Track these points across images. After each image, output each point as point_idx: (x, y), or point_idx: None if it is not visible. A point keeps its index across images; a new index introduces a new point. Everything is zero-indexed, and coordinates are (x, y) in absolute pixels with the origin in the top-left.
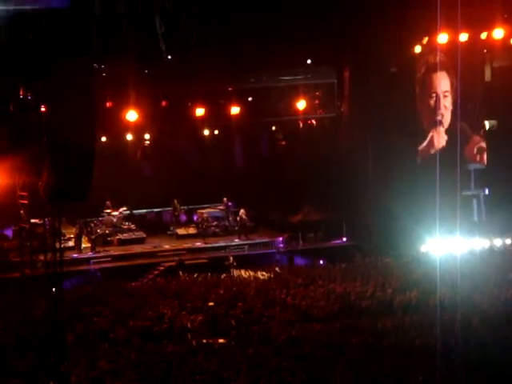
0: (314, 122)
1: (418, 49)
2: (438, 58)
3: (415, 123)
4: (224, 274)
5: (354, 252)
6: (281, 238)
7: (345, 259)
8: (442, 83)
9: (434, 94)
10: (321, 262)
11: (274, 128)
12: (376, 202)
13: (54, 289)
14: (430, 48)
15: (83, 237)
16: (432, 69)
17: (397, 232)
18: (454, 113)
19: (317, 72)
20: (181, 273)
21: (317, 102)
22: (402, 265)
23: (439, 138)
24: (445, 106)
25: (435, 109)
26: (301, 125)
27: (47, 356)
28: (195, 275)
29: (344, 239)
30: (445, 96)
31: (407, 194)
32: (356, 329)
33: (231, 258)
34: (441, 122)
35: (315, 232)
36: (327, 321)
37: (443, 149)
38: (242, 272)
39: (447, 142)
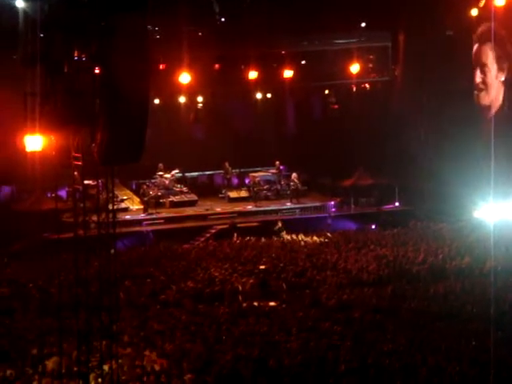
0: (367, 85)
1: (474, 12)
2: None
3: (471, 87)
4: (275, 238)
5: (406, 217)
6: (333, 203)
7: (397, 224)
8: None
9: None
10: (372, 226)
11: (326, 92)
12: (429, 167)
13: (112, 250)
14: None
15: (135, 198)
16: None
17: (450, 197)
18: None
19: (371, 35)
20: (235, 235)
21: (370, 65)
22: (455, 230)
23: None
24: None
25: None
26: (354, 88)
27: (100, 316)
28: (247, 238)
29: (396, 204)
30: None
31: (461, 158)
32: (407, 293)
33: (279, 223)
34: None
35: (367, 196)
36: (378, 285)
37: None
38: (294, 236)
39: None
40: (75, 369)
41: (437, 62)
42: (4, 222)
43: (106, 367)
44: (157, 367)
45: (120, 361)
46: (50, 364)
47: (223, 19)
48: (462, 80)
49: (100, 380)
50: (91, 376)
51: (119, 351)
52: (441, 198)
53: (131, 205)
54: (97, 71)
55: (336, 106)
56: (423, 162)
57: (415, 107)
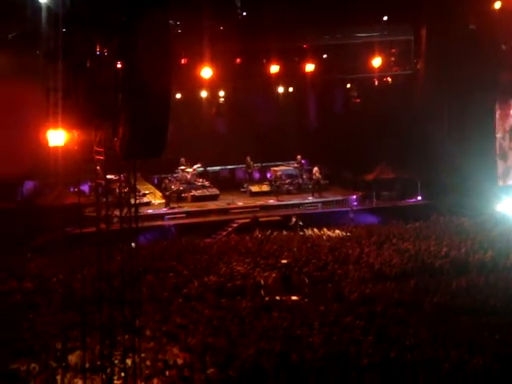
0: (389, 79)
1: (497, 5)
2: None
3: (494, 81)
4: (294, 233)
5: (428, 211)
6: (354, 196)
7: (419, 218)
8: None
9: None
10: (395, 220)
11: (348, 85)
12: (452, 161)
13: (133, 244)
14: None
15: (157, 192)
16: None
17: (472, 191)
18: None
19: (393, 29)
20: (257, 230)
21: (392, 59)
22: (478, 224)
23: None
24: None
25: None
26: (376, 82)
27: (122, 310)
28: (268, 232)
29: (419, 198)
30: None
31: (484, 152)
32: (430, 287)
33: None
34: None
35: (389, 190)
36: (401, 279)
37: None
38: (315, 230)
39: None
40: (98, 363)
41: (460, 55)
42: (27, 216)
43: (128, 361)
44: (179, 361)
45: (143, 355)
46: (74, 358)
47: (245, 13)
48: (485, 74)
49: (123, 374)
50: (114, 370)
51: (142, 345)
52: (463, 192)
53: (153, 199)
54: (119, 66)
55: (358, 100)
56: (446, 155)
57: (438, 101)
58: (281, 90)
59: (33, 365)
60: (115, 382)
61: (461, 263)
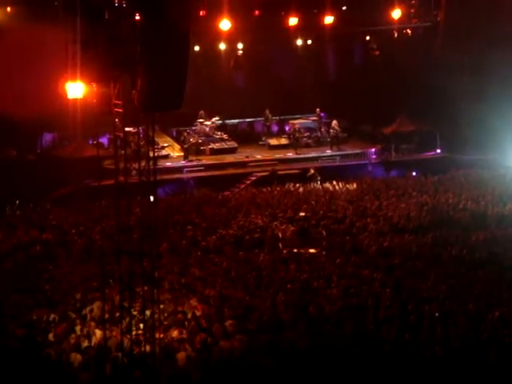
0: (409, 31)
1: None
2: None
3: None
4: (313, 185)
5: (447, 164)
6: (373, 149)
7: (438, 171)
8: None
9: None
10: (414, 173)
11: (368, 38)
12: (471, 114)
13: (151, 197)
14: None
15: (175, 145)
16: None
17: (492, 143)
18: None
19: None
20: (275, 183)
21: (412, 10)
22: (497, 177)
23: None
24: None
25: None
26: (395, 34)
27: (141, 262)
28: (287, 185)
29: (438, 151)
30: None
31: (504, 105)
32: (448, 241)
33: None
34: None
35: (408, 143)
36: (419, 232)
37: None
38: (334, 183)
39: None
40: (117, 314)
41: (481, 7)
42: (46, 168)
43: (147, 312)
44: (198, 313)
45: (161, 306)
46: (93, 309)
47: None
48: (506, 26)
49: (142, 325)
50: (133, 321)
51: (161, 297)
52: (483, 145)
53: (172, 152)
54: (137, 18)
55: (377, 52)
56: (465, 108)
57: (458, 53)
58: (299, 42)
59: (52, 315)
60: (134, 332)
61: (479, 216)
